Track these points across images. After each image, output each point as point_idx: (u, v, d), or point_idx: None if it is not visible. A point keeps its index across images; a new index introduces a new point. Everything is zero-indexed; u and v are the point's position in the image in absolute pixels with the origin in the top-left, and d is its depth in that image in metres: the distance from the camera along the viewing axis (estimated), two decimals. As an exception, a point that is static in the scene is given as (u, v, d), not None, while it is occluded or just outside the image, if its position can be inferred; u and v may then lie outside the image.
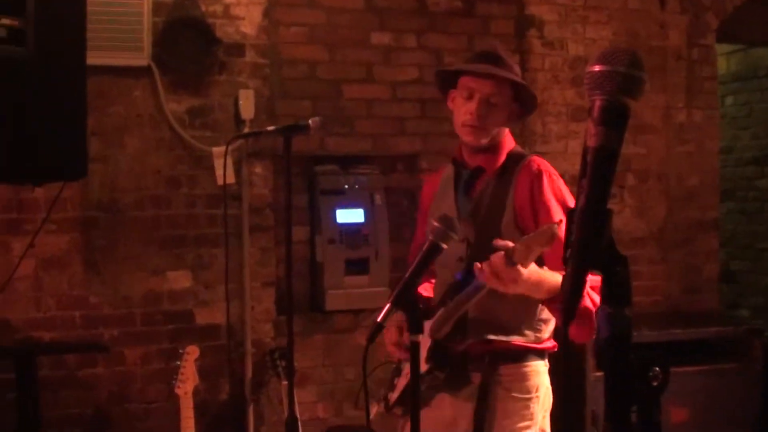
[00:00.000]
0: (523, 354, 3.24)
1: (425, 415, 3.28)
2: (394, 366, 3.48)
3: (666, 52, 6.33)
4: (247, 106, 5.16)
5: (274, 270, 5.33)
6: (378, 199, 5.51)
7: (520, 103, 3.30)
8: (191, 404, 4.59)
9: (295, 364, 4.34)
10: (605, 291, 1.61)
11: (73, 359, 4.94)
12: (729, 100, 8.19)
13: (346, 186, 5.48)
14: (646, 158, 6.28)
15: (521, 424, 3.21)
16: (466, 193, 3.33)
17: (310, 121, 3.84)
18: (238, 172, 5.21)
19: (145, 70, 5.02)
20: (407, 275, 2.64)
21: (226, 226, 4.97)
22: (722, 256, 7.08)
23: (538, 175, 3.18)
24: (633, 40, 6.17)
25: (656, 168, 6.32)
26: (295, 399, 4.20)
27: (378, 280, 5.41)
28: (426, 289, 3.55)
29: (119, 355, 5.02)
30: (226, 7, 5.20)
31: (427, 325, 3.28)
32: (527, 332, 3.23)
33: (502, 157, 3.29)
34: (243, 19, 5.24)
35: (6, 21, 3.77)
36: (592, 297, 2.57)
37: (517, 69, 3.30)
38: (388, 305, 2.58)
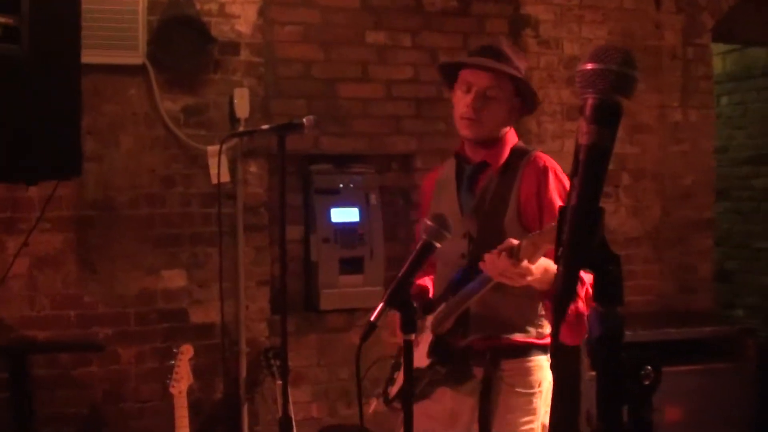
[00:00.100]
0: (526, 349, 3.25)
1: (427, 408, 3.31)
2: (394, 360, 3.48)
3: (661, 51, 6.34)
4: (241, 105, 5.15)
5: (269, 269, 5.33)
6: (373, 198, 5.50)
7: (523, 99, 3.30)
8: (185, 403, 4.59)
9: (290, 363, 4.34)
10: (597, 290, 1.61)
11: (67, 358, 4.93)
12: (724, 99, 8.18)
13: (341, 185, 5.47)
14: (641, 157, 6.28)
15: (524, 419, 3.23)
16: (469, 188, 3.33)
17: (304, 120, 3.84)
18: (232, 170, 5.20)
19: (140, 68, 5.02)
20: (401, 274, 2.64)
21: (221, 225, 4.96)
22: (717, 256, 7.07)
23: (544, 172, 3.18)
24: (628, 40, 6.17)
25: (651, 167, 6.33)
26: (290, 398, 4.21)
27: (373, 280, 5.41)
28: (427, 283, 3.56)
29: (114, 354, 5.01)
30: (221, 5, 5.19)
31: (428, 319, 3.29)
32: (529, 328, 3.25)
33: (506, 153, 3.29)
34: (238, 17, 5.23)
35: (0, 19, 3.76)
36: (588, 300, 2.58)
37: (520, 64, 3.27)
38: (381, 304, 2.58)
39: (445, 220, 2.71)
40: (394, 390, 3.41)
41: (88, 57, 4.30)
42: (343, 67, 5.51)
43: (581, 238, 1.59)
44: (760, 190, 7.89)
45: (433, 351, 3.26)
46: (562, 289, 1.58)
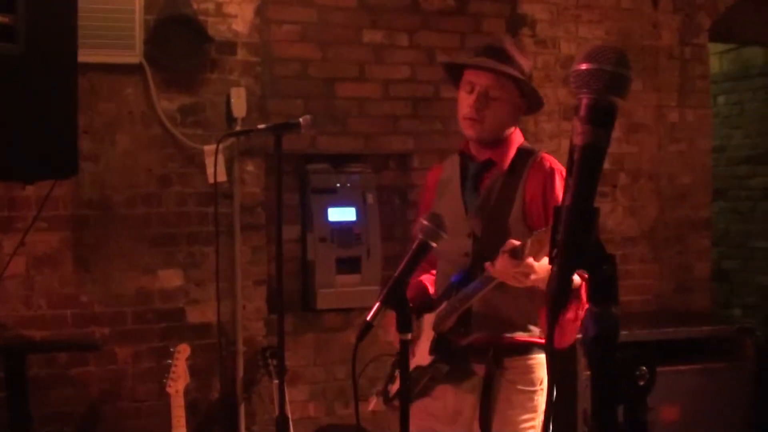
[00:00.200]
0: (528, 347, 3.27)
1: (427, 405, 3.32)
2: (394, 359, 3.49)
3: (658, 51, 6.34)
4: (238, 104, 5.14)
5: (266, 268, 5.33)
6: (370, 197, 5.50)
7: (527, 99, 3.30)
8: (182, 403, 4.59)
9: (286, 362, 4.34)
10: (592, 290, 1.60)
11: (64, 357, 4.93)
12: (721, 99, 8.19)
13: (338, 184, 5.47)
14: (638, 157, 6.29)
15: (525, 416, 3.24)
16: (474, 187, 3.33)
17: (301, 120, 3.85)
18: (229, 170, 5.20)
19: (136, 67, 5.01)
20: (397, 274, 2.64)
21: (218, 225, 4.96)
22: (714, 255, 7.08)
23: (551, 174, 3.18)
24: (625, 39, 6.18)
25: (648, 167, 6.33)
26: (286, 398, 4.20)
27: (369, 279, 5.40)
28: (426, 282, 3.57)
29: (110, 354, 5.00)
30: (218, 5, 5.19)
31: (429, 318, 3.30)
32: (531, 327, 3.27)
33: (512, 152, 3.29)
34: (235, 17, 5.23)
35: (-4, 18, 3.77)
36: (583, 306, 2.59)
37: (523, 64, 3.27)
38: (377, 304, 2.59)
39: (441, 220, 2.71)
40: (394, 388, 3.41)
41: (84, 56, 4.30)
42: (341, 67, 5.51)
43: (576, 239, 1.59)
44: (757, 189, 7.90)
45: (434, 349, 3.27)
46: (557, 290, 1.58)
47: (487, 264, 2.90)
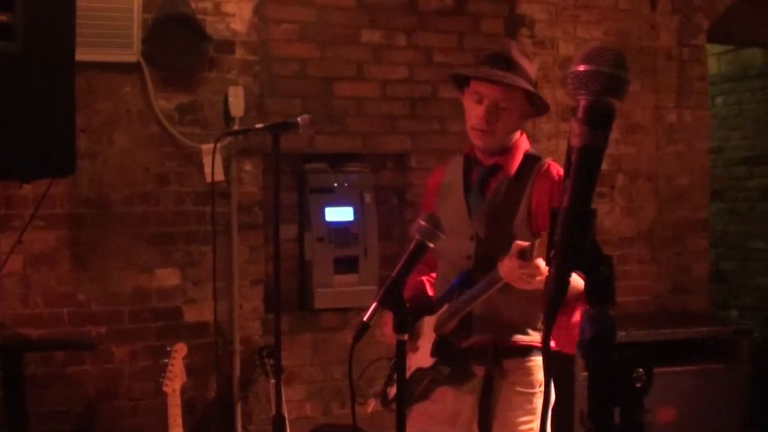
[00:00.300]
0: (528, 349, 3.28)
1: (426, 408, 3.33)
2: (394, 360, 3.49)
3: (657, 52, 6.34)
4: (236, 104, 5.14)
5: (263, 268, 5.32)
6: (367, 197, 5.49)
7: (534, 105, 3.30)
8: (179, 402, 4.58)
9: (283, 362, 4.34)
10: (589, 291, 1.60)
11: (60, 356, 4.92)
12: (719, 100, 8.20)
13: (336, 184, 5.47)
14: (637, 158, 6.29)
15: (524, 418, 3.25)
16: (480, 191, 3.33)
17: (299, 119, 3.85)
18: (227, 169, 5.20)
19: (134, 66, 5.00)
20: (394, 274, 2.64)
21: (215, 224, 4.95)
22: (712, 256, 7.08)
23: (558, 182, 3.18)
24: (624, 40, 6.18)
25: (646, 168, 6.33)
26: (283, 397, 4.20)
27: (367, 279, 5.40)
28: (425, 282, 3.57)
29: (107, 353, 5.00)
30: (217, 4, 5.18)
31: (429, 320, 3.30)
32: (531, 331, 3.27)
33: (519, 158, 3.30)
34: (233, 16, 5.22)
35: (-6, 16, 3.76)
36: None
37: (531, 70, 3.26)
38: (374, 304, 2.59)
39: (439, 220, 2.71)
40: (393, 391, 3.41)
41: (82, 54, 4.29)
42: (339, 66, 5.50)
43: (573, 240, 1.59)
44: (756, 190, 7.91)
45: (436, 351, 3.27)
46: (554, 291, 1.58)
47: (498, 264, 2.90)
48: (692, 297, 6.48)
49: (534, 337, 3.26)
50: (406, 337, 2.61)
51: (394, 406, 3.34)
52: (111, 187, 5.00)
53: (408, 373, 3.32)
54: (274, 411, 4.21)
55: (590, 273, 1.60)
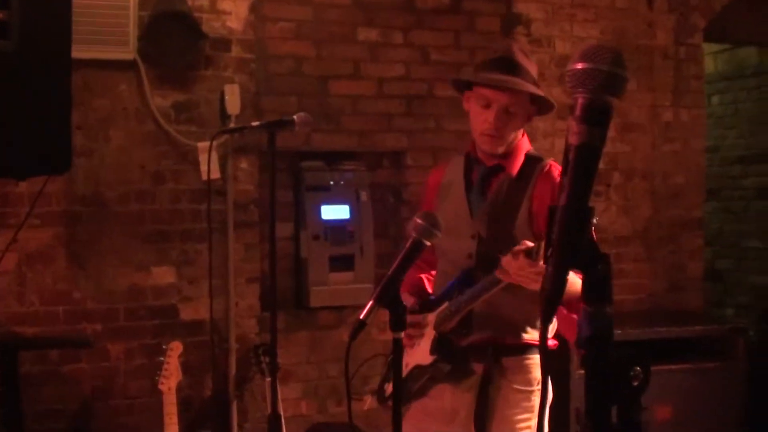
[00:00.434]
0: (526, 347, 3.29)
1: (425, 405, 3.34)
2: (391, 358, 3.49)
3: (653, 50, 6.34)
4: (232, 102, 5.13)
5: (259, 266, 5.32)
6: (363, 195, 5.49)
7: (537, 105, 3.31)
8: (174, 400, 4.58)
9: (279, 360, 4.34)
10: (586, 290, 1.60)
11: (56, 354, 4.92)
12: (715, 99, 8.21)
13: (332, 182, 5.47)
14: (632, 156, 6.29)
15: (522, 416, 3.26)
16: (481, 190, 3.33)
17: (295, 117, 3.85)
18: (223, 167, 5.19)
19: (130, 64, 5.00)
20: (390, 272, 2.64)
21: (211, 222, 4.95)
22: (707, 255, 7.09)
23: (560, 184, 3.18)
24: (620, 39, 6.18)
25: (642, 166, 6.33)
26: (279, 395, 4.21)
27: (363, 277, 5.40)
28: (423, 280, 3.58)
29: (103, 351, 4.99)
30: (213, 1, 5.18)
31: (429, 317, 3.31)
32: (530, 330, 3.28)
33: (521, 158, 3.31)
34: (229, 14, 5.22)
35: (-9, 14, 3.75)
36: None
37: (533, 70, 3.27)
38: (371, 302, 2.58)
39: (436, 218, 2.71)
40: (389, 388, 3.41)
41: (78, 52, 4.29)
42: (335, 64, 5.50)
43: (570, 238, 1.59)
44: (751, 189, 7.91)
45: (436, 349, 3.28)
46: (551, 290, 1.58)
47: (502, 263, 2.90)
48: (687, 295, 6.48)
49: (533, 336, 3.27)
50: (402, 334, 2.61)
51: (390, 403, 3.36)
52: (107, 185, 5.00)
53: (405, 371, 3.32)
54: (269, 409, 4.22)
55: (588, 271, 1.60)
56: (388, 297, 2.60)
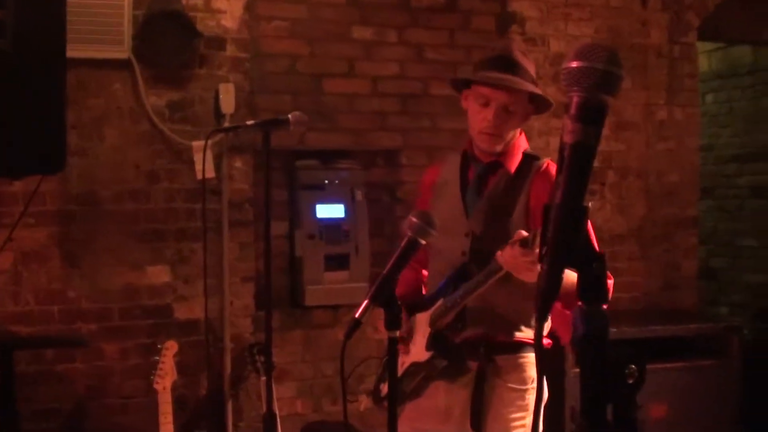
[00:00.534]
0: (520, 346, 3.29)
1: (419, 405, 3.34)
2: (386, 358, 3.49)
3: (647, 49, 6.34)
4: (227, 100, 5.13)
5: (254, 265, 5.32)
6: (358, 194, 5.49)
7: (535, 104, 3.31)
8: (170, 399, 4.58)
9: (274, 359, 4.33)
10: (581, 288, 1.60)
11: (51, 354, 4.91)
12: (710, 97, 8.21)
13: (326, 181, 5.46)
14: (627, 155, 6.29)
15: (516, 415, 3.26)
16: (477, 188, 3.34)
17: (290, 116, 3.84)
18: (217, 166, 5.19)
19: (125, 63, 4.99)
20: (386, 271, 2.64)
21: (206, 221, 4.95)
22: (702, 254, 7.10)
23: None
24: (615, 38, 6.18)
25: (636, 165, 6.33)
26: (274, 394, 4.20)
27: (358, 276, 5.40)
28: (419, 279, 3.58)
29: (97, 350, 4.99)
30: (207, 0, 5.17)
31: (423, 316, 3.31)
32: (524, 328, 3.28)
33: (518, 156, 3.31)
34: (224, 12, 5.21)
35: (-15, 13, 3.75)
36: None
37: (532, 69, 3.27)
38: (366, 301, 2.59)
39: (430, 217, 2.72)
40: (385, 388, 3.41)
41: (73, 51, 4.29)
42: (329, 63, 5.50)
43: (566, 237, 1.59)
44: (745, 188, 7.92)
45: (432, 345, 3.28)
46: (546, 288, 1.58)
47: (498, 252, 2.91)
48: (682, 294, 6.49)
49: (527, 334, 3.27)
50: (397, 333, 2.61)
51: (386, 403, 3.37)
52: (101, 184, 4.99)
53: (401, 369, 3.32)
54: (265, 408, 4.21)
55: (583, 270, 1.60)
56: (383, 296, 2.60)
